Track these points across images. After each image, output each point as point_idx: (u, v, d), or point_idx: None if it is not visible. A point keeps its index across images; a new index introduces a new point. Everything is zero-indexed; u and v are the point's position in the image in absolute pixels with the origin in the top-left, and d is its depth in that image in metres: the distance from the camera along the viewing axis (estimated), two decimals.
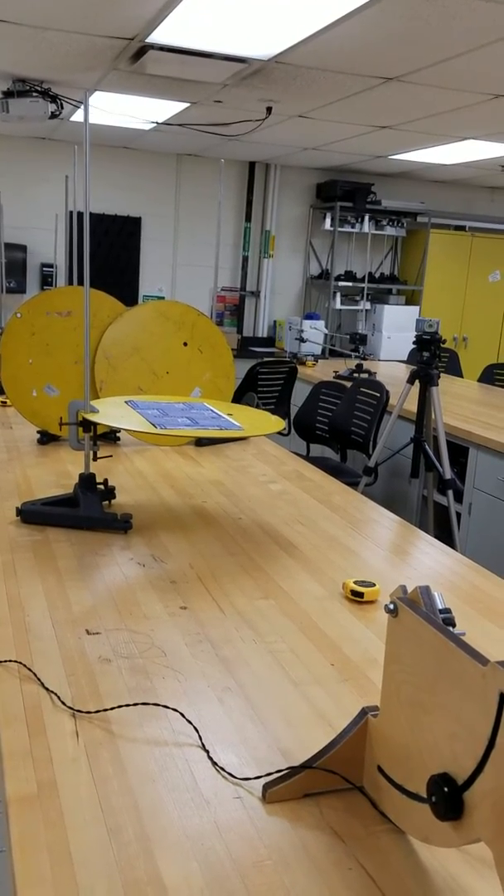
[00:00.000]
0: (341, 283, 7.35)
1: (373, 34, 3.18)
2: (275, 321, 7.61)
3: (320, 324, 6.95)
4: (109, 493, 2.21)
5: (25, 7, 3.18)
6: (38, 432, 2.88)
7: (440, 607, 0.96)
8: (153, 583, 1.73)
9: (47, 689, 1.28)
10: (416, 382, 3.70)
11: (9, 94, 4.46)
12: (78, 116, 5.41)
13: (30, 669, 1.33)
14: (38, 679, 1.31)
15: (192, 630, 1.52)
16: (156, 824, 0.99)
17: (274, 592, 1.73)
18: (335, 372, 5.66)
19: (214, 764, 1.12)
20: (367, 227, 7.29)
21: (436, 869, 0.96)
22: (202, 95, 4.50)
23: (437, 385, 3.66)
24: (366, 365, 5.84)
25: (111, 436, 2.96)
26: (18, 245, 6.57)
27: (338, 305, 7.39)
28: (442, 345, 3.71)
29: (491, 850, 0.79)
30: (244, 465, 2.77)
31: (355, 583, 1.72)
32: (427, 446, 3.72)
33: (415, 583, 1.83)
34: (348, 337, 6.01)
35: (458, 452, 4.01)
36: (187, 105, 4.78)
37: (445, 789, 0.83)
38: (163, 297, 7.13)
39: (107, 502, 2.21)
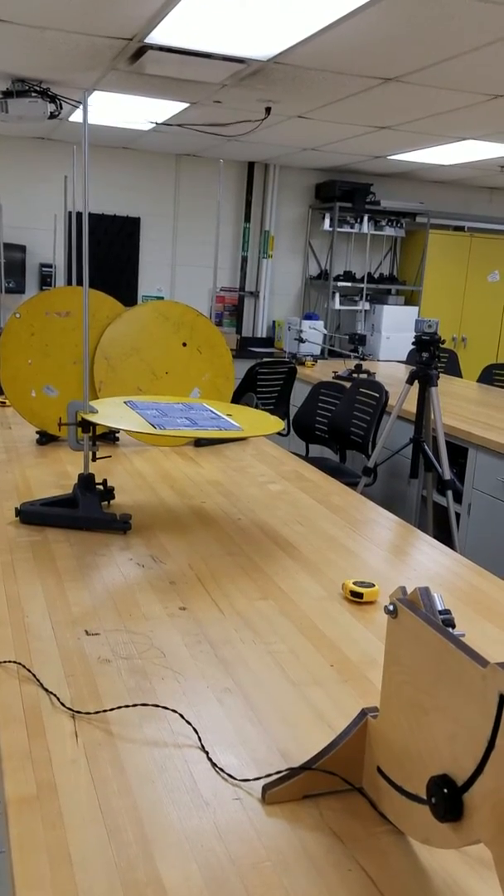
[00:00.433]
0: (340, 284, 7.35)
1: (372, 34, 3.18)
2: (274, 321, 7.61)
3: (319, 324, 6.95)
4: (108, 493, 2.21)
5: (24, 7, 3.18)
6: (37, 433, 2.88)
7: (440, 608, 0.96)
8: (152, 583, 1.73)
9: (46, 689, 1.28)
10: (416, 383, 3.71)
11: (8, 94, 4.46)
12: (77, 116, 5.41)
13: (29, 670, 1.33)
14: (38, 680, 1.30)
15: (192, 631, 1.52)
16: (155, 825, 0.99)
17: (273, 593, 1.73)
18: (334, 372, 5.66)
19: (214, 765, 1.12)
20: (366, 227, 7.29)
21: (435, 870, 0.96)
22: (201, 95, 4.50)
23: (437, 385, 3.66)
24: (365, 365, 5.84)
25: (110, 436, 2.95)
26: (17, 245, 6.57)
27: (337, 306, 7.39)
28: (441, 345, 3.71)
29: (490, 852, 0.79)
30: (243, 465, 2.77)
31: (355, 583, 1.72)
32: (426, 447, 3.72)
33: (414, 583, 1.83)
34: (347, 337, 6.01)
35: (458, 453, 4.01)
36: (186, 105, 4.78)
37: (445, 790, 0.83)
38: (162, 298, 7.13)
39: (106, 503, 2.22)
